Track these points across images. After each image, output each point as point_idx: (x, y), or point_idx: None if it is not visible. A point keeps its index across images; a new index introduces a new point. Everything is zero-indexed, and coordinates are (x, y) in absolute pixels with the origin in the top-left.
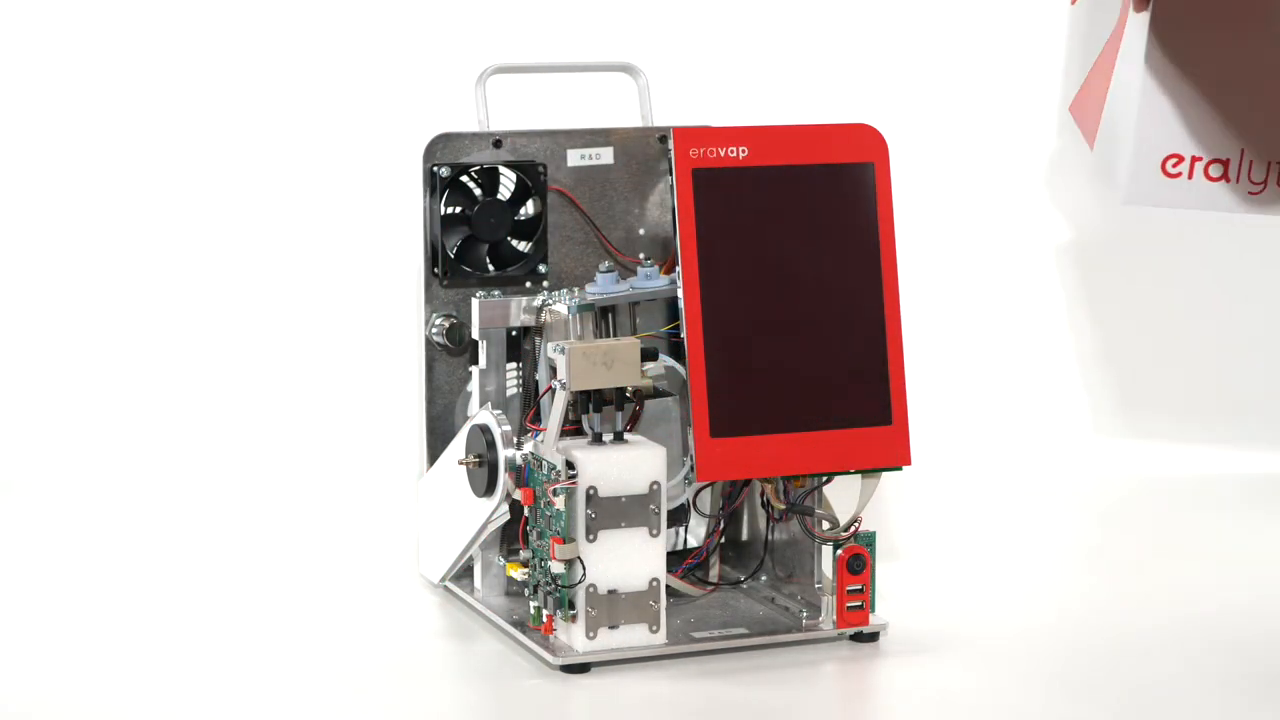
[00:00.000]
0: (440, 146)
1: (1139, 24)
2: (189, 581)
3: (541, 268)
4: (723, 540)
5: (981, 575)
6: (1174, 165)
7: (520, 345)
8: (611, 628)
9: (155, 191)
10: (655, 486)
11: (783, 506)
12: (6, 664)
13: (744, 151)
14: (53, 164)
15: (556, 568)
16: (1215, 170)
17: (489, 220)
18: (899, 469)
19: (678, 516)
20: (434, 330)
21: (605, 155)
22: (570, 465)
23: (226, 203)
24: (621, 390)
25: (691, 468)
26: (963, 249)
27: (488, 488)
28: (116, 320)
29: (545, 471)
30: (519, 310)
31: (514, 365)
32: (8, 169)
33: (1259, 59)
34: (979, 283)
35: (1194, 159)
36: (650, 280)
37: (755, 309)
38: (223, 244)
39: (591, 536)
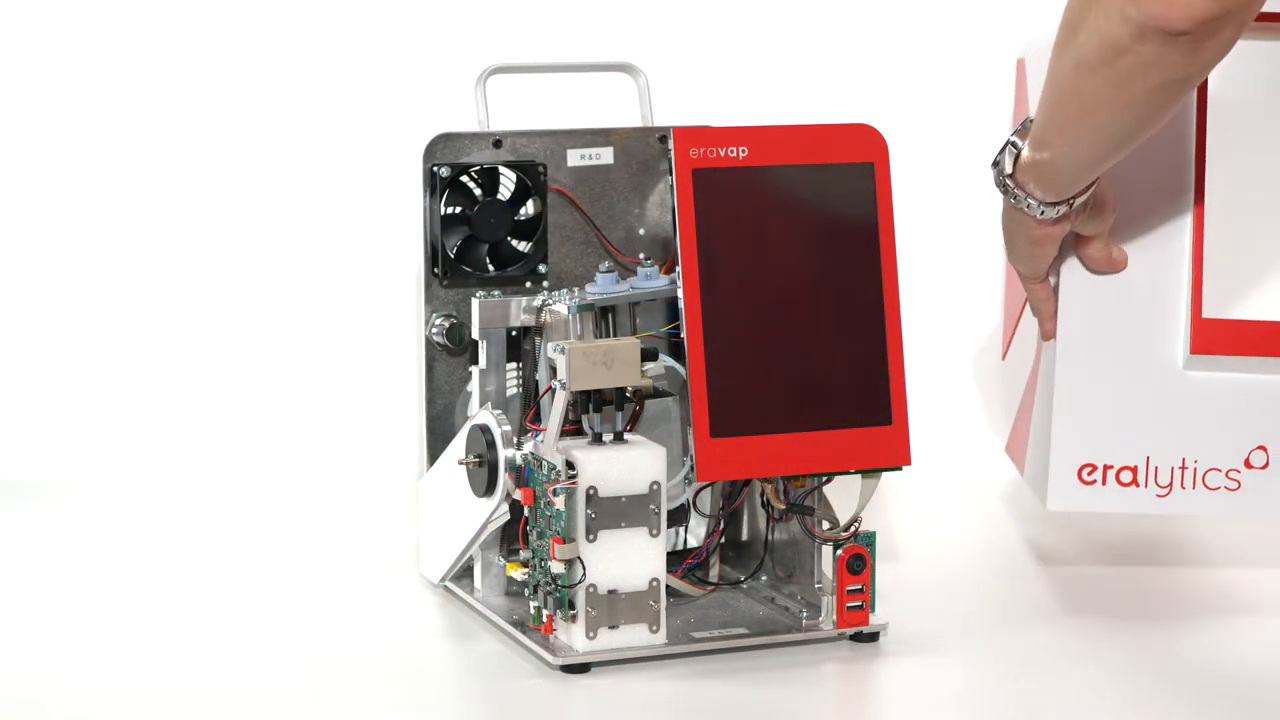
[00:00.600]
0: (440, 146)
1: (1050, 349)
2: (188, 581)
3: (541, 268)
4: (723, 540)
5: (982, 575)
6: (1089, 474)
7: (520, 345)
8: (611, 628)
9: (154, 191)
10: (655, 486)
11: (783, 506)
12: (7, 664)
13: (744, 151)
14: (53, 165)
15: (556, 568)
16: (1125, 476)
17: (489, 220)
18: (899, 469)
19: (678, 516)
20: (434, 330)
21: (605, 155)
22: (570, 465)
23: (225, 203)
24: (621, 390)
25: (691, 468)
26: (962, 249)
27: (488, 488)
28: (114, 319)
29: (545, 471)
30: (519, 310)
31: (514, 365)
32: (8, 169)
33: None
34: (978, 282)
35: (1105, 466)
36: (650, 280)
37: (755, 309)
38: (222, 244)
39: (591, 536)
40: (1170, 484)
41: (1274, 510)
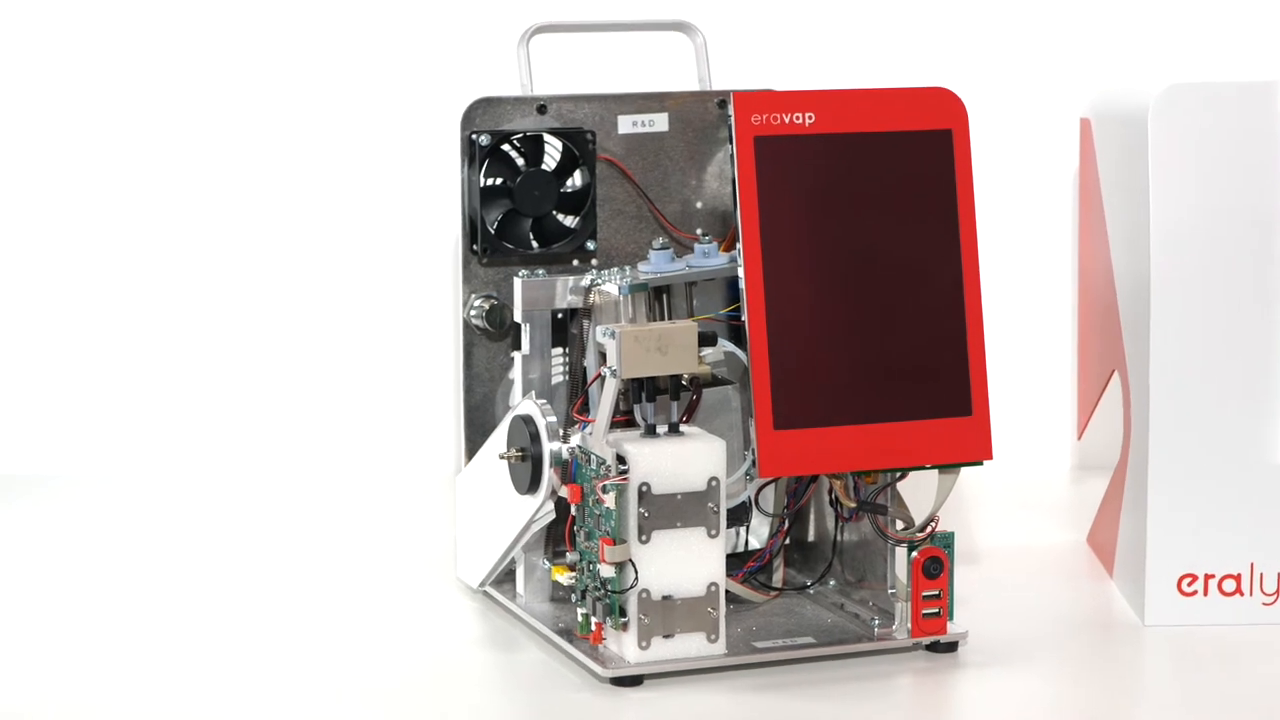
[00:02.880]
0: (479, 112)
1: (1140, 448)
2: (210, 584)
3: (590, 244)
4: (787, 541)
5: (1069, 579)
6: (1189, 584)
7: (566, 329)
8: (666, 637)
9: (174, 170)
10: (714, 483)
11: (853, 505)
12: (33, 663)
13: (810, 118)
14: (82, 145)
15: (606, 571)
16: (1228, 585)
17: (532, 193)
18: (980, 464)
19: (738, 516)
20: (473, 312)
21: (659, 122)
22: (621, 460)
23: (248, 179)
24: (677, 378)
25: (753, 462)
26: (1042, 223)
27: (531, 484)
28: (132, 307)
29: (594, 466)
30: (565, 291)
31: (560, 351)
32: (38, 153)
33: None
34: (1059, 258)
35: (1206, 576)
36: (708, 258)
37: (823, 289)
38: (245, 223)
39: (644, 537)
40: (1278, 590)
41: None
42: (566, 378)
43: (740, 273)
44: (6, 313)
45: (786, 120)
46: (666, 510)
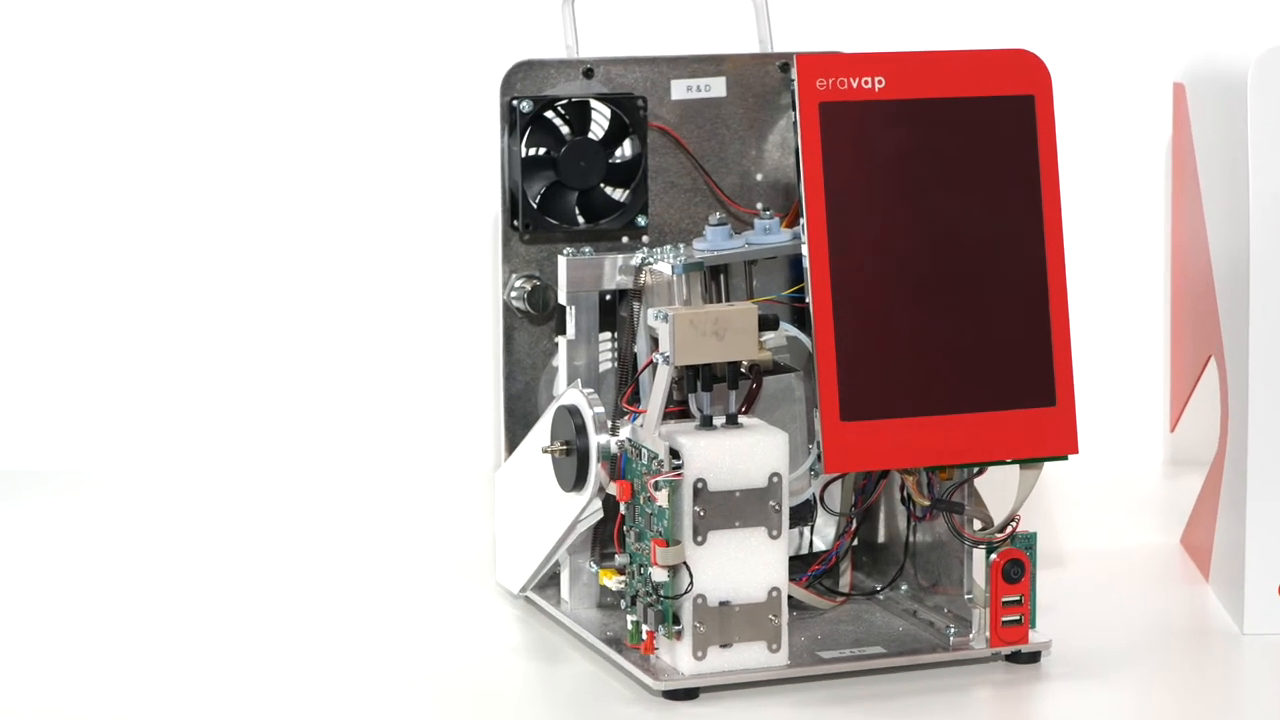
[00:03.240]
0: (521, 76)
1: (1238, 446)
2: (237, 587)
3: (640, 220)
4: (855, 543)
5: (1161, 584)
6: None
7: (615, 312)
8: (723, 646)
9: (192, 147)
10: (775, 479)
11: (927, 503)
12: (39, 662)
13: (880, 82)
14: (103, 127)
15: (658, 575)
16: None
17: (578, 164)
18: (1064, 458)
19: (802, 515)
20: (513, 294)
21: (716, 86)
22: (675, 454)
23: (278, 152)
24: (735, 365)
25: (819, 457)
26: (1131, 195)
27: (577, 481)
28: (156, 292)
29: (645, 461)
30: (614, 270)
31: (608, 335)
32: (49, 141)
33: None
34: (1149, 235)
35: None
36: (769, 235)
37: (894, 268)
38: (272, 201)
39: (700, 538)
40: None
41: None
42: (615, 365)
43: (804, 250)
44: (19, 307)
45: (854, 85)
46: (724, 509)
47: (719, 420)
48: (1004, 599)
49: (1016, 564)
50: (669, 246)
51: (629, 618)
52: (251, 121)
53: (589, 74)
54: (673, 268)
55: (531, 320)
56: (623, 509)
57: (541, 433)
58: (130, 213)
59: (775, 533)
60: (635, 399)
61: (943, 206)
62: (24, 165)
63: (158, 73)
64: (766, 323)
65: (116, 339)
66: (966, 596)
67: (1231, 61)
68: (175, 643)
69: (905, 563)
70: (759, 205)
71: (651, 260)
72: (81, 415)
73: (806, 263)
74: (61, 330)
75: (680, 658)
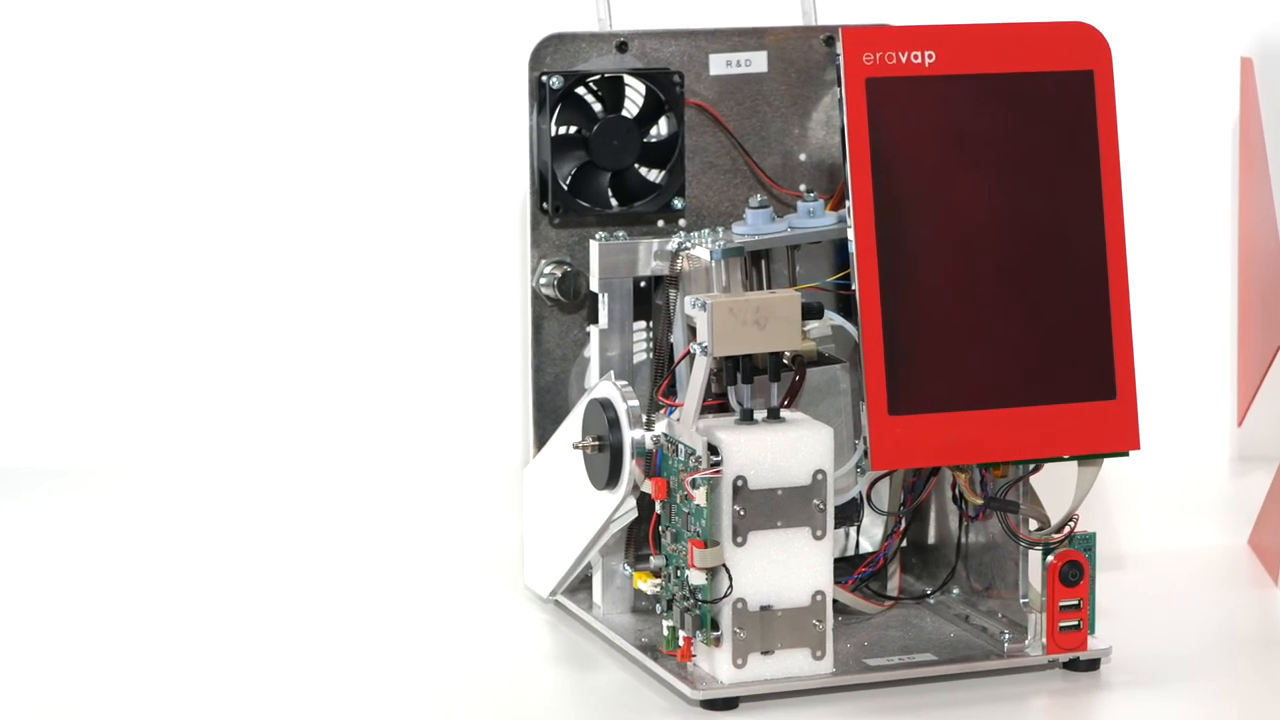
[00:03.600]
0: (551, 51)
1: None
2: (256, 588)
3: (677, 203)
4: (904, 544)
5: (1226, 588)
6: None
7: (650, 299)
8: (765, 653)
9: (203, 128)
10: (820, 477)
11: (980, 502)
12: (42, 662)
13: (931, 57)
14: (110, 119)
15: (696, 578)
16: None
17: (611, 143)
18: (1125, 455)
19: (848, 514)
20: (543, 281)
21: (757, 61)
22: (713, 450)
23: (294, 132)
24: (777, 356)
25: (865, 453)
26: (1193, 174)
27: (610, 478)
28: (173, 285)
29: (682, 458)
30: (649, 256)
31: (642, 325)
32: (53, 138)
33: None
34: (1219, 219)
35: None
36: (813, 218)
37: (945, 254)
38: (287, 184)
39: (740, 539)
40: None
41: None
42: (650, 356)
43: (850, 235)
44: (20, 305)
45: (903, 60)
46: (765, 508)
47: (760, 414)
48: (1061, 603)
49: (1074, 566)
50: (707, 230)
51: (665, 623)
52: (270, 105)
53: (622, 48)
54: (711, 253)
55: (562, 309)
56: (658, 508)
57: (572, 428)
58: (142, 205)
59: (820, 533)
60: (671, 392)
61: (996, 188)
62: (27, 162)
63: (176, 64)
64: (810, 311)
65: (127, 333)
66: (1022, 601)
67: None
68: (190, 644)
69: (957, 565)
70: (802, 187)
71: (689, 245)
72: (83, 413)
73: (852, 248)
74: (63, 328)
75: (719, 665)
